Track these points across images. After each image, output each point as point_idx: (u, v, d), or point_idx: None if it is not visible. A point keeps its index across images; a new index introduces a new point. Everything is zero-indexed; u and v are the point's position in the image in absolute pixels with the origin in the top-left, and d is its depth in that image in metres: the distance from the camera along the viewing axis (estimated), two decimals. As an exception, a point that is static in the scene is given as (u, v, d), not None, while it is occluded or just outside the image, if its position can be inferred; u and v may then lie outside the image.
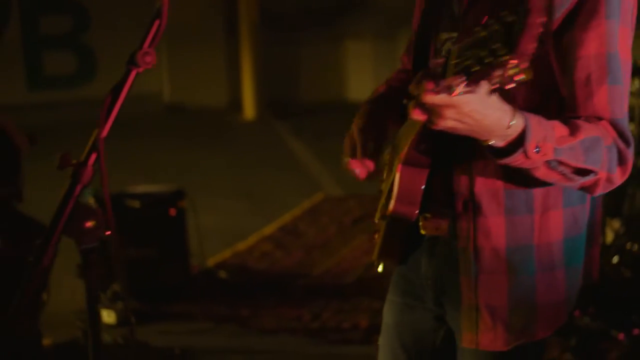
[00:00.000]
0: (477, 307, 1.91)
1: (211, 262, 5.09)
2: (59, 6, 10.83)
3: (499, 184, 1.85)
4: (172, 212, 4.50)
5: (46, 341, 4.03)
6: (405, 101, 1.71)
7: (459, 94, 1.50)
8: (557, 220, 1.88)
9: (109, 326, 4.32)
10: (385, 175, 2.09)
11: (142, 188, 4.75)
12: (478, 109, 1.57)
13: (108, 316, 4.34)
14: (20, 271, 3.68)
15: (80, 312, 4.47)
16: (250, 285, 4.80)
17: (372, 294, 4.61)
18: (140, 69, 1.54)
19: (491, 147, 1.67)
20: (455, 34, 1.87)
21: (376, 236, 2.10)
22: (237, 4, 9.88)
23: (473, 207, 1.87)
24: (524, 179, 1.80)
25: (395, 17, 10.78)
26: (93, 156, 1.55)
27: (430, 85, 1.53)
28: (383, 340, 2.17)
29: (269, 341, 4.21)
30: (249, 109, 9.99)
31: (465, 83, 1.48)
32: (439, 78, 1.54)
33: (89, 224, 1.59)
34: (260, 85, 9.95)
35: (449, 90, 1.50)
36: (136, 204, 4.49)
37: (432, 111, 1.58)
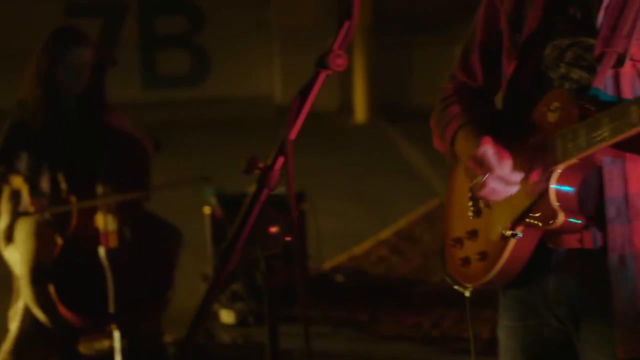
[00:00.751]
0: (636, 315, 1.82)
1: (327, 265, 5.06)
2: (174, 6, 11.00)
3: None
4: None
5: (166, 338, 4.06)
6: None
7: None
8: None
9: (228, 326, 4.34)
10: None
11: (262, 189, 4.74)
12: None
13: (227, 316, 4.35)
14: (147, 267, 3.72)
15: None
16: (368, 290, 4.75)
17: (493, 305, 4.51)
18: (330, 72, 1.47)
19: None
20: (582, 39, 1.81)
21: (474, 257, 2.00)
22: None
23: (628, 210, 1.79)
24: None
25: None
26: (280, 160, 1.49)
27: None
28: None
29: (389, 348, 4.15)
30: (361, 112, 9.95)
31: None
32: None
33: (274, 229, 1.54)
34: (372, 88, 9.89)
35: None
36: (257, 205, 4.48)
37: None
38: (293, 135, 1.47)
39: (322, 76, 1.49)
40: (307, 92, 1.49)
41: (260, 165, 1.49)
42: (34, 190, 3.56)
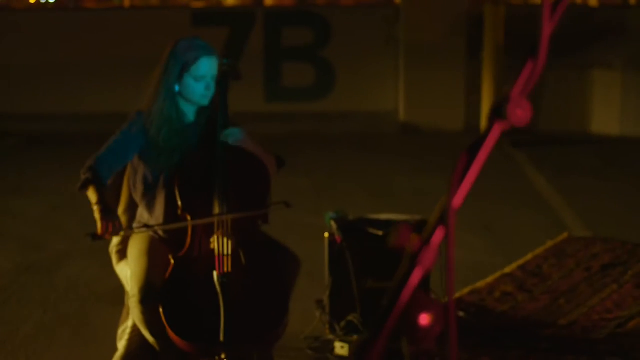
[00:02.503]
0: None
1: (443, 298, 4.78)
2: (301, 19, 10.88)
3: None
4: (417, 244, 4.22)
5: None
6: None
7: None
8: None
9: (342, 358, 4.11)
10: None
11: (384, 216, 4.50)
12: None
13: (341, 348, 4.12)
14: (262, 294, 3.51)
15: (311, 338, 4.32)
16: (492, 329, 4.45)
17: (627, 354, 4.18)
18: (507, 126, 1.17)
19: None
20: None
21: None
22: (482, 26, 9.54)
23: None
24: None
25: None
26: (439, 234, 1.21)
27: None
28: None
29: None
30: (486, 135, 9.59)
31: None
32: None
33: (425, 320, 1.26)
34: (500, 111, 9.53)
35: None
36: (379, 232, 4.25)
37: None
38: (458, 202, 1.18)
39: (497, 129, 1.17)
40: (477, 147, 1.19)
41: (414, 238, 1.21)
42: (104, 213, 3.41)
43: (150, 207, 3.67)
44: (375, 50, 10.69)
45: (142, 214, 3.78)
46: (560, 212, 6.77)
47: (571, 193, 7.33)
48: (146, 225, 3.63)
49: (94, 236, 3.45)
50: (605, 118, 10.14)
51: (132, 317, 3.56)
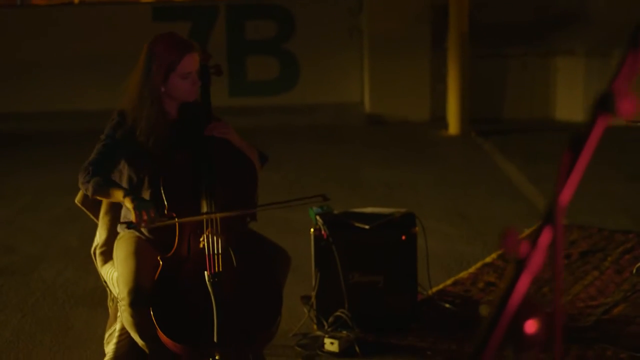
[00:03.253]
0: None
1: (430, 289, 4.75)
2: (264, 12, 10.79)
3: None
4: (404, 237, 4.18)
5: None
6: None
7: None
8: None
9: (331, 354, 4.06)
10: None
11: (369, 209, 4.46)
12: None
13: (331, 344, 4.08)
14: (254, 293, 3.45)
15: (299, 335, 4.26)
16: (479, 320, 4.43)
17: (614, 340, 4.18)
18: (611, 119, 1.11)
19: None
20: None
21: None
22: (446, 16, 9.52)
23: None
24: None
25: (612, 32, 10.16)
26: (546, 234, 1.15)
27: None
28: None
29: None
30: (453, 124, 9.61)
31: None
32: None
33: (532, 328, 1.20)
34: (465, 100, 9.55)
35: None
36: (365, 226, 4.20)
37: None
38: (565, 199, 1.13)
39: (602, 123, 1.09)
40: (581, 143, 1.13)
41: (521, 240, 1.15)
42: (139, 202, 3.29)
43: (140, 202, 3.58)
44: (339, 42, 10.64)
45: (126, 214, 3.69)
46: (534, 200, 6.78)
47: (542, 180, 7.33)
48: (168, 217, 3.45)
49: (129, 225, 3.36)
50: (569, 105, 10.18)
51: (121, 320, 3.48)
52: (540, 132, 9.67)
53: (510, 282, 1.12)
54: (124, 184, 3.57)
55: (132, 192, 3.36)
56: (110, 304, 4.07)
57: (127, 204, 3.28)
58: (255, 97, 10.51)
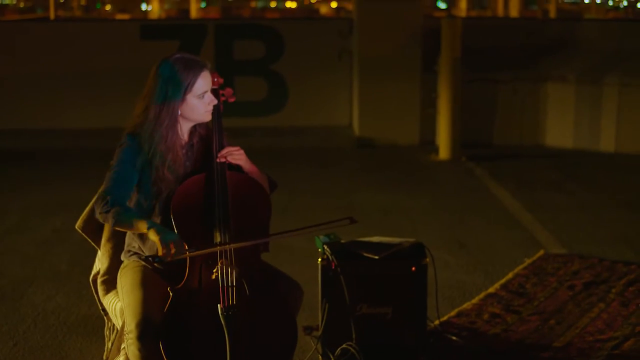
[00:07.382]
0: None
1: (435, 321, 4.62)
2: (253, 32, 10.69)
3: None
4: (414, 269, 4.06)
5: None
6: None
7: None
8: None
9: (338, 388, 3.93)
10: None
11: (376, 238, 4.33)
12: None
13: (338, 378, 3.94)
14: (268, 326, 3.31)
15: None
16: (488, 353, 4.32)
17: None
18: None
19: None
20: None
21: None
22: (438, 39, 9.46)
23: None
24: None
25: (603, 59, 10.15)
26: None
27: None
28: None
29: None
30: (444, 149, 9.53)
31: None
32: None
33: None
34: (456, 125, 9.47)
35: None
36: (374, 256, 4.08)
37: None
38: None
39: None
40: None
41: None
42: (164, 234, 3.11)
43: (142, 235, 3.43)
44: (328, 64, 10.55)
45: (130, 242, 3.55)
46: (531, 228, 6.69)
47: (537, 208, 7.27)
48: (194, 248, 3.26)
49: (154, 259, 3.18)
50: (559, 131, 10.15)
51: (128, 354, 3.32)
52: (530, 158, 9.61)
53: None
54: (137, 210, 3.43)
55: (155, 223, 3.20)
56: (107, 332, 3.92)
57: (152, 236, 3.11)
58: (243, 117, 10.37)
